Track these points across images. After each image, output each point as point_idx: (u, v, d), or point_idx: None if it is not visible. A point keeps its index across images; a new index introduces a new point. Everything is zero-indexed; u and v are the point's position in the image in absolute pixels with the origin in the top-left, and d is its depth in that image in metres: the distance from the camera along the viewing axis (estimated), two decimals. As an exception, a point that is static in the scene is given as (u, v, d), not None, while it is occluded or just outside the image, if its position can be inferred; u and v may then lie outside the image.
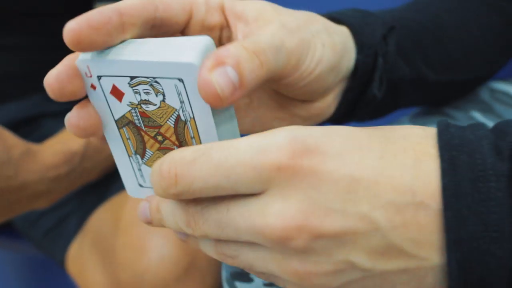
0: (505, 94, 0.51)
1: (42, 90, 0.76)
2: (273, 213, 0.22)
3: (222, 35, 0.30)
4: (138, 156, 0.29)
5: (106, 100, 0.27)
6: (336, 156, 0.22)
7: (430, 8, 0.43)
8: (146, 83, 0.25)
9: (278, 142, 0.22)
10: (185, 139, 0.27)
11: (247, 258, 0.25)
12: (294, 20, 0.29)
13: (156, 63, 0.24)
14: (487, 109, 0.49)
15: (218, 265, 0.61)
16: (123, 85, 0.26)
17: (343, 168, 0.22)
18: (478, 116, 0.48)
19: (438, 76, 0.42)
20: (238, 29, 0.29)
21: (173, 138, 0.27)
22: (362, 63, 0.34)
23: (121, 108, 0.27)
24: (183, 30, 0.29)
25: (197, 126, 0.26)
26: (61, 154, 0.54)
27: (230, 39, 0.30)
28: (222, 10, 0.30)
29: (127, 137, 0.28)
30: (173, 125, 0.26)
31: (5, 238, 0.81)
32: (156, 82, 0.25)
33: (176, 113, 0.26)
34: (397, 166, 0.22)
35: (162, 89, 0.25)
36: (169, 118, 0.26)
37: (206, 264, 0.59)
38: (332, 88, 0.33)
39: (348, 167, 0.22)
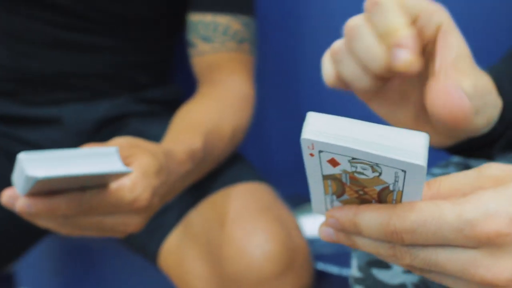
0: None
1: (130, 90, 0.81)
2: (485, 266, 0.27)
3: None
4: (334, 196, 0.32)
5: (320, 164, 0.29)
6: None
7: None
8: (367, 164, 0.28)
9: (489, 214, 0.26)
10: (386, 200, 0.30)
11: (442, 279, 0.29)
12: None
13: (384, 157, 0.26)
14: None
15: (311, 261, 0.65)
16: (342, 160, 0.28)
17: None
18: None
19: None
20: (440, 55, 0.34)
21: (374, 196, 0.30)
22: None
23: (332, 171, 0.29)
24: None
25: (402, 196, 0.29)
26: (186, 153, 0.57)
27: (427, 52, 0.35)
28: (438, 30, 0.34)
29: (329, 184, 0.31)
30: (378, 190, 0.29)
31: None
32: (377, 165, 0.27)
33: (386, 185, 0.29)
34: None
35: (381, 170, 0.28)
36: (377, 186, 0.29)
37: (303, 261, 0.63)
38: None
39: None
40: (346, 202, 0.32)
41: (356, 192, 0.30)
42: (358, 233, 0.30)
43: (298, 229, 0.66)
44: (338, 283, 0.71)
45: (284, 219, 0.65)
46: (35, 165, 0.39)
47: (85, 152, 0.41)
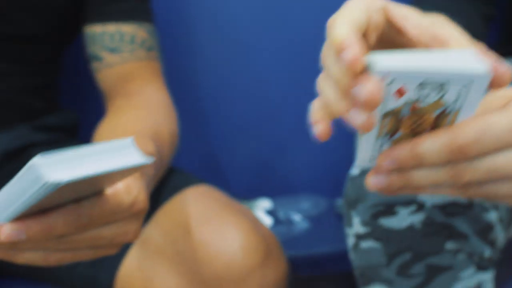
0: None
1: (26, 119, 0.72)
2: None
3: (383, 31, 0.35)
4: (386, 137, 0.32)
5: (385, 99, 0.30)
6: None
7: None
8: (433, 86, 0.29)
9: None
10: (440, 124, 0.31)
11: (497, 189, 0.32)
12: None
13: (455, 73, 0.28)
14: None
15: (282, 248, 0.64)
16: (410, 87, 0.29)
17: None
18: None
19: None
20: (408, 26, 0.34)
21: (428, 124, 0.31)
22: None
23: (395, 103, 0.30)
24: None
25: (458, 116, 0.31)
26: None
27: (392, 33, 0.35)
28: (386, 12, 0.35)
29: (385, 124, 0.31)
30: (435, 116, 0.31)
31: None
32: (444, 85, 0.29)
33: (445, 107, 0.30)
34: None
35: (446, 90, 0.29)
36: (436, 110, 0.30)
37: (277, 248, 0.62)
38: None
39: None
40: (396, 142, 0.33)
41: (412, 124, 0.32)
42: (419, 163, 0.31)
43: (259, 220, 0.65)
44: (302, 264, 0.72)
45: (245, 212, 0.64)
46: (53, 168, 0.32)
47: (100, 148, 0.35)
